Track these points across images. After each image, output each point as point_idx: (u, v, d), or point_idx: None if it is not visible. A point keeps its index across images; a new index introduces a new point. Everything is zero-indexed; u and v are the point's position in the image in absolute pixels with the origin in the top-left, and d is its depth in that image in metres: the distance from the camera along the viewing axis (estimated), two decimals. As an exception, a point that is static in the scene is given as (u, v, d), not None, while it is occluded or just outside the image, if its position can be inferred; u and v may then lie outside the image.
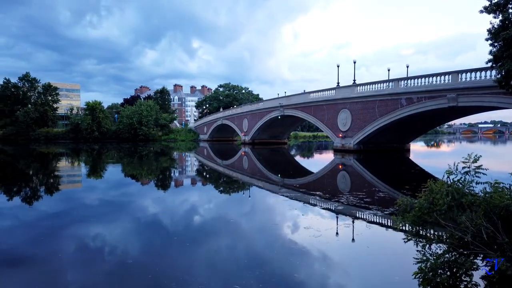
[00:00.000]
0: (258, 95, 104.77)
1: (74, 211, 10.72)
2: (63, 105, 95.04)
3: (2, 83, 73.83)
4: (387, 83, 31.95)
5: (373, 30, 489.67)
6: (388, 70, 37.90)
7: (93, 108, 72.20)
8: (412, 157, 33.70)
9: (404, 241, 4.32)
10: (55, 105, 79.34)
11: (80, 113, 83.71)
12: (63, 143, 64.40)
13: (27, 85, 75.85)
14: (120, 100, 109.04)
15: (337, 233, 8.31)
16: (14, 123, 71.93)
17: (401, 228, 3.96)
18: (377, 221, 9.24)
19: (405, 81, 30.33)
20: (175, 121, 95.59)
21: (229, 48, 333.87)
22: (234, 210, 11.14)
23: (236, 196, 14.00)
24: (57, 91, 79.79)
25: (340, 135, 36.29)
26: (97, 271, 5.91)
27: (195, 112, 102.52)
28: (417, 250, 3.75)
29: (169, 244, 7.52)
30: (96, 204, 11.82)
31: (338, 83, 38.68)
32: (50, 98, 77.81)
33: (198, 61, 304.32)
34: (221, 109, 76.37)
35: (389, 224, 9.00)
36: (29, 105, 75.21)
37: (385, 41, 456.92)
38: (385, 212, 9.97)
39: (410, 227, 4.35)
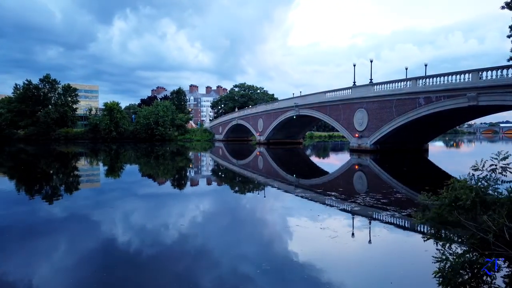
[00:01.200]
0: (273, 95, 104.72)
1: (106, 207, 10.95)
2: (82, 106, 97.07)
3: (23, 84, 75.92)
4: (405, 82, 31.45)
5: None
6: (406, 68, 37.28)
7: (111, 108, 73.47)
8: (430, 157, 33.07)
9: (424, 240, 4.25)
10: (74, 106, 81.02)
11: (99, 113, 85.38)
12: (82, 143, 65.76)
13: (47, 86, 77.72)
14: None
15: (353, 234, 8.23)
16: (35, 123, 73.84)
17: (421, 222, 3.89)
18: (395, 222, 9.11)
19: (424, 80, 29.78)
20: (190, 121, 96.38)
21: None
22: (249, 211, 11.16)
23: (252, 196, 14.02)
24: (76, 92, 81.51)
25: (357, 135, 35.91)
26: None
27: (210, 112, 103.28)
28: (437, 249, 3.69)
29: (184, 241, 7.61)
30: (121, 201, 12.04)
31: (354, 82, 38.30)
32: (69, 99, 79.54)
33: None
34: (236, 109, 76.58)
35: (406, 225, 8.87)
36: (50, 106, 77.03)
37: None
38: (403, 213, 9.83)
39: (429, 228, 4.28)
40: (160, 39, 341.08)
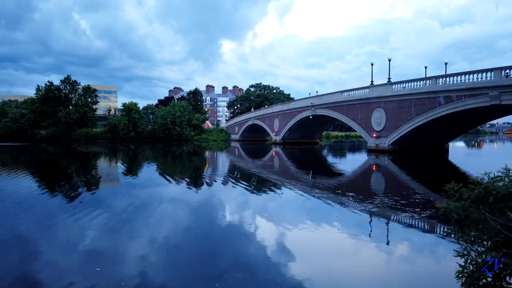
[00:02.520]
0: (289, 94, 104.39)
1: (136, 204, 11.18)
2: (102, 106, 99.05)
3: (45, 85, 78.06)
4: (424, 81, 30.90)
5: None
6: (425, 67, 36.59)
7: (129, 109, 74.61)
8: (451, 158, 32.37)
9: (444, 235, 4.18)
10: (94, 106, 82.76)
11: (117, 114, 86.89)
12: (101, 143, 67.10)
13: (68, 87, 79.68)
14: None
15: (371, 235, 8.17)
16: (56, 123, 75.73)
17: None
18: (413, 223, 8.98)
19: (444, 79, 29.18)
20: (207, 121, 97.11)
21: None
22: (266, 211, 11.16)
23: (268, 196, 14.02)
24: (96, 93, 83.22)
25: (374, 135, 35.47)
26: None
27: (226, 112, 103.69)
28: (459, 243, 3.63)
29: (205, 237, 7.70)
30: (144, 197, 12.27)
31: (372, 81, 37.90)
32: (89, 99, 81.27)
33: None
34: (252, 109, 76.72)
35: (426, 227, 8.74)
36: (70, 107, 78.90)
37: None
38: (422, 215, 9.67)
39: (450, 225, 4.20)
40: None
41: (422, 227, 8.74)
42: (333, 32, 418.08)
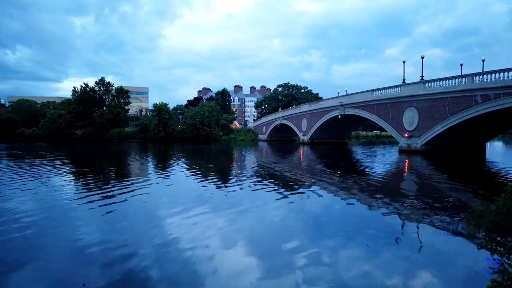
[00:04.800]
0: (317, 94, 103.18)
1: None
2: (133, 107, 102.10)
3: (81, 87, 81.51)
4: (460, 79, 29.58)
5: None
6: (461, 64, 35.00)
7: (160, 109, 76.41)
8: (488, 159, 30.79)
9: (478, 248, 3.92)
10: (126, 107, 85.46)
11: (148, 114, 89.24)
12: (133, 143, 69.08)
13: (102, 89, 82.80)
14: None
15: (400, 238, 7.88)
16: (91, 124, 78.95)
17: (475, 232, 3.56)
18: (446, 227, 8.57)
19: (481, 76, 27.78)
20: (235, 121, 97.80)
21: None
22: (296, 212, 11.02)
23: (295, 198, 13.84)
24: (128, 94, 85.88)
25: (406, 134, 34.37)
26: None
27: (254, 112, 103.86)
28: (493, 259, 3.39)
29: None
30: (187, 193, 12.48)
31: (404, 80, 36.71)
32: (122, 100, 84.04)
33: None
34: (279, 109, 76.51)
35: (459, 230, 8.32)
36: (104, 107, 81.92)
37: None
38: (455, 219, 9.23)
39: (484, 235, 3.94)
40: None
41: (455, 230, 8.32)
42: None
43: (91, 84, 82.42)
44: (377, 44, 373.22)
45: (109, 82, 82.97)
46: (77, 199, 12.27)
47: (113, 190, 14.12)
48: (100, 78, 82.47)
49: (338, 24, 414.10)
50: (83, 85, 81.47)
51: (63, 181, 17.08)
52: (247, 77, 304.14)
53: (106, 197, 12.60)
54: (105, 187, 15.12)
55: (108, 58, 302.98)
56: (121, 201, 11.85)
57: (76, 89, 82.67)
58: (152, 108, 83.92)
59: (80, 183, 16.81)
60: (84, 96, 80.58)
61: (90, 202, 11.69)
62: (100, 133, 77.74)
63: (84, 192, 13.68)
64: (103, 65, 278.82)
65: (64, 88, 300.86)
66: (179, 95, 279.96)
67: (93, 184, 16.12)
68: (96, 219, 9.60)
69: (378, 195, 12.88)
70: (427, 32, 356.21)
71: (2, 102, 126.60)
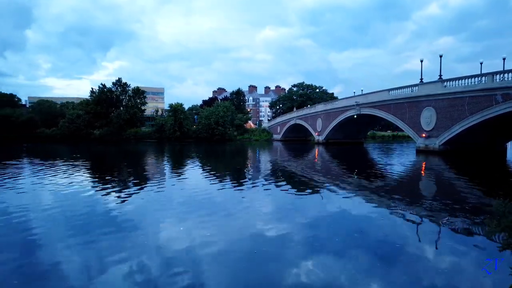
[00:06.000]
0: (332, 94, 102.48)
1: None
2: (149, 107, 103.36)
3: (98, 88, 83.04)
4: (479, 78, 28.92)
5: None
6: (481, 63, 34.20)
7: (175, 109, 77.20)
8: (510, 159, 30.00)
9: (499, 250, 3.86)
10: (143, 107, 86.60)
11: (164, 114, 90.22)
12: (149, 142, 69.98)
13: (119, 89, 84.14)
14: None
15: (420, 240, 7.78)
16: (108, 124, 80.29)
17: (496, 231, 3.51)
18: (465, 228, 8.42)
19: (501, 75, 27.08)
20: (249, 121, 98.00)
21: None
22: (311, 212, 10.99)
23: (312, 198, 13.81)
24: (144, 94, 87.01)
25: (424, 134, 33.81)
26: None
27: (268, 112, 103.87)
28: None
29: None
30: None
31: (421, 79, 36.09)
32: (138, 101, 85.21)
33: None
34: (294, 109, 76.28)
35: (479, 232, 8.16)
36: (121, 108, 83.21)
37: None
38: (475, 221, 9.05)
39: (505, 236, 3.88)
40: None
41: (475, 231, 8.17)
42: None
43: (109, 84, 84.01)
44: (381, 31, 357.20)
45: (125, 82, 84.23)
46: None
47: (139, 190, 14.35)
48: (117, 78, 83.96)
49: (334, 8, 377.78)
50: (101, 86, 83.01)
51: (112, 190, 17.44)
52: (240, 72, 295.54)
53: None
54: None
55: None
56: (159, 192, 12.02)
57: (94, 89, 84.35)
58: (168, 108, 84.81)
59: (114, 193, 17.13)
60: (101, 96, 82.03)
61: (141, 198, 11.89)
62: (117, 133, 78.93)
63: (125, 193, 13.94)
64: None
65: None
66: (176, 92, 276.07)
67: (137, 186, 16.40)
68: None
69: (396, 196, 12.74)
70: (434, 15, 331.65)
71: (23, 102, 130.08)
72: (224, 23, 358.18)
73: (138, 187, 15.32)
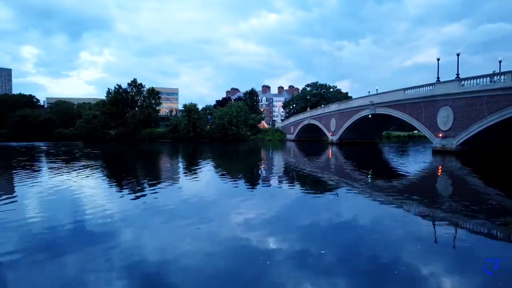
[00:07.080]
0: (347, 93, 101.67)
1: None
2: (164, 107, 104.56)
3: (114, 88, 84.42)
4: (498, 77, 28.32)
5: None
6: (500, 61, 33.41)
7: (189, 110, 77.85)
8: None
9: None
10: (157, 108, 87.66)
11: (178, 114, 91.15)
12: (164, 142, 70.74)
13: (134, 90, 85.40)
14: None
15: (436, 241, 7.69)
16: (124, 124, 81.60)
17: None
18: (486, 231, 8.28)
19: (522, 73, 26.45)
20: (263, 121, 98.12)
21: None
22: (325, 213, 10.97)
23: (326, 198, 13.76)
24: (159, 95, 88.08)
25: (440, 134, 33.24)
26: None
27: (282, 112, 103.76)
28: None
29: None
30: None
31: (438, 78, 35.50)
32: (153, 101, 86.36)
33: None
34: (308, 109, 75.98)
35: (499, 234, 8.02)
36: (136, 108, 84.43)
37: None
38: (496, 223, 8.88)
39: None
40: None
41: (495, 234, 8.02)
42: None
43: (124, 85, 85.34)
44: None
45: (140, 83, 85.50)
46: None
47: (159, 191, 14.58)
48: (132, 79, 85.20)
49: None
50: (117, 86, 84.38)
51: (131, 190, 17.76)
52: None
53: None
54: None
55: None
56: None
57: (110, 90, 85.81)
58: (182, 108, 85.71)
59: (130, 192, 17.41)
60: (117, 97, 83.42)
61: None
62: (133, 133, 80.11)
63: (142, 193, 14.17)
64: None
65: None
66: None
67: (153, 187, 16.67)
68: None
69: (413, 197, 12.59)
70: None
71: (41, 103, 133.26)
72: (204, 12, 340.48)
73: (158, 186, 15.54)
